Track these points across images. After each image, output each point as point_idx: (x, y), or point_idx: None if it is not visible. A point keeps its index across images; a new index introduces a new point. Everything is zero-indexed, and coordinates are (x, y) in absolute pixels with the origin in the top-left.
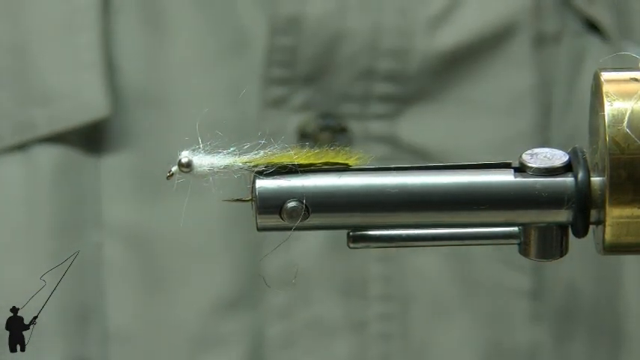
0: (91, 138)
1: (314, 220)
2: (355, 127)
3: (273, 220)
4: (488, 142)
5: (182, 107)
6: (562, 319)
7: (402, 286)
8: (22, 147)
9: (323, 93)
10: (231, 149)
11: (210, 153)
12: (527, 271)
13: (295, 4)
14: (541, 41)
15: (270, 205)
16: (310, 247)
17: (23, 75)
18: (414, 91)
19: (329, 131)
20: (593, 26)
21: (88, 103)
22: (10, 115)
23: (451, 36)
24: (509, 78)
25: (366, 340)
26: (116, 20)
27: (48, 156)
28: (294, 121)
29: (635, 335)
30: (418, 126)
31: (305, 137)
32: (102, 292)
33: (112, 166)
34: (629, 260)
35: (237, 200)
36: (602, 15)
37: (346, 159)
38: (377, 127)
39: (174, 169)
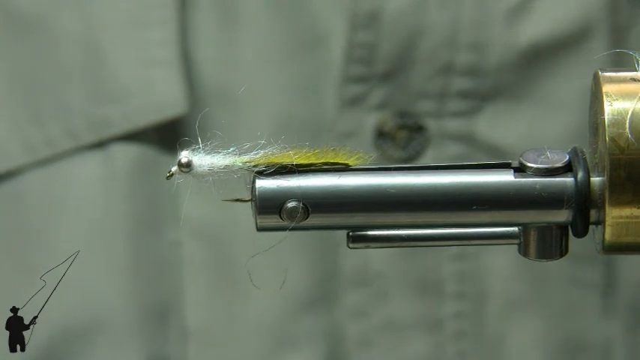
0: (169, 136)
1: (313, 220)
2: (432, 125)
3: (273, 220)
4: (566, 138)
5: (257, 104)
6: (634, 312)
7: (475, 283)
8: (99, 145)
9: (400, 91)
10: (231, 149)
11: (210, 153)
12: (599, 265)
13: (375, 0)
14: (615, 34)
15: (270, 205)
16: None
17: (97, 72)
18: (493, 86)
19: (406, 130)
20: None
21: (165, 100)
22: (85, 113)
23: (530, 30)
24: (586, 72)
25: (441, 338)
26: (192, 16)
27: (126, 154)
28: (371, 120)
29: None
30: (495, 123)
31: (382, 136)
32: (180, 291)
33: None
34: None
35: (237, 200)
36: None
37: (346, 159)
38: (454, 125)
39: (174, 169)
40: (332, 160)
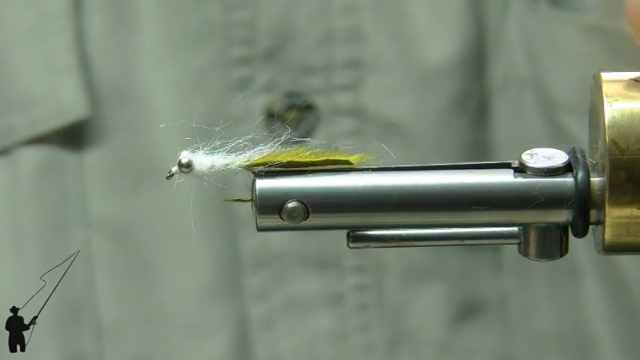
0: (72, 137)
1: (314, 220)
2: (321, 102)
3: (273, 221)
4: (446, 98)
5: (155, 99)
6: (523, 266)
7: (373, 256)
8: (3, 152)
9: (286, 69)
10: (230, 147)
11: (209, 152)
12: None
13: None
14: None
15: (270, 205)
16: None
17: (0, 83)
18: (375, 54)
19: (295, 109)
20: None
21: (67, 105)
22: None
23: None
24: (450, 35)
25: (344, 312)
26: (87, 20)
27: (30, 158)
28: (259, 102)
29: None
30: (383, 94)
31: (272, 117)
32: (92, 288)
33: (94, 162)
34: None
35: (238, 200)
36: None
37: (347, 156)
38: (342, 99)
39: (174, 169)
40: (333, 158)
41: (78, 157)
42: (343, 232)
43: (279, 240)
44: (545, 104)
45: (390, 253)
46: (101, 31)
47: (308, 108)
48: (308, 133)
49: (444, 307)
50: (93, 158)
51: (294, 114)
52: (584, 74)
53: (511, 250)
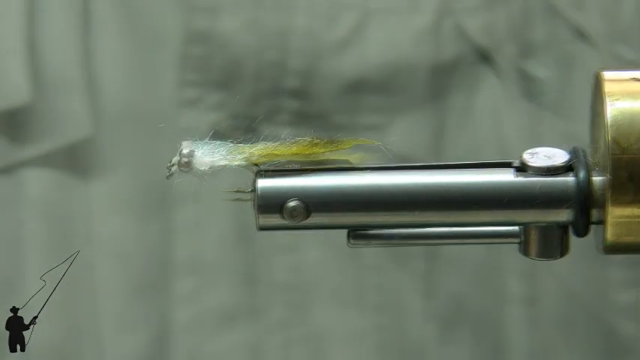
0: (16, 121)
1: (315, 219)
2: (265, 129)
3: (274, 220)
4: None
5: (102, 95)
6: (449, 318)
7: (302, 275)
8: None
9: (234, 98)
10: (230, 144)
11: (210, 149)
12: (420, 273)
13: (207, 19)
14: (439, 70)
15: (271, 204)
16: (219, 235)
17: None
18: (320, 110)
19: (240, 131)
20: (486, 56)
21: (11, 88)
22: None
23: (355, 63)
24: (407, 106)
25: (266, 327)
26: (42, 7)
27: None
28: (207, 119)
29: (515, 341)
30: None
31: (216, 136)
32: (22, 270)
33: (36, 148)
34: (511, 270)
35: (237, 199)
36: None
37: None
38: (285, 132)
39: (175, 159)
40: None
41: (21, 142)
42: (276, 248)
43: (213, 249)
44: None
45: (319, 274)
46: (57, 21)
47: (252, 131)
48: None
49: (365, 337)
50: (36, 145)
51: (239, 135)
52: None
53: (442, 301)
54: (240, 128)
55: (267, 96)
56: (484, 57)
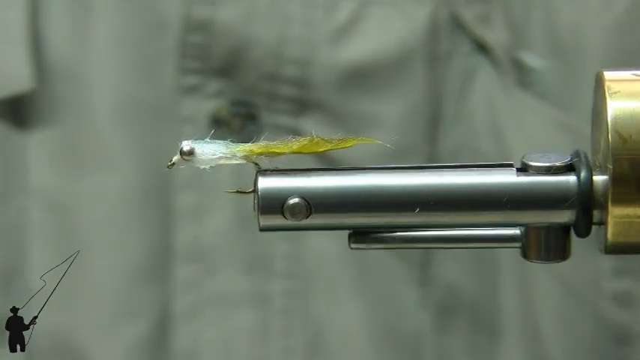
0: (18, 110)
1: (316, 219)
2: (265, 116)
3: (275, 218)
4: (382, 154)
5: (102, 84)
6: (442, 309)
7: (303, 264)
8: None
9: (234, 84)
10: (229, 140)
11: (210, 142)
12: (416, 264)
13: (207, 9)
14: (435, 60)
15: (273, 202)
16: (220, 223)
17: None
18: (316, 98)
19: (240, 118)
20: (483, 46)
21: (13, 76)
22: None
23: (352, 52)
24: (404, 95)
25: (268, 314)
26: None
27: None
28: (207, 106)
29: (510, 330)
30: (319, 128)
31: (218, 122)
32: (25, 255)
33: (38, 137)
34: (506, 260)
35: (238, 192)
36: (491, 37)
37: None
38: (284, 120)
39: (176, 158)
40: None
41: (23, 130)
42: (277, 237)
43: (214, 236)
44: None
45: (319, 264)
46: (58, 10)
47: (252, 118)
48: (249, 141)
49: (364, 327)
50: (37, 132)
51: (238, 122)
52: None
53: (435, 292)
54: (239, 116)
55: (265, 84)
56: (480, 47)
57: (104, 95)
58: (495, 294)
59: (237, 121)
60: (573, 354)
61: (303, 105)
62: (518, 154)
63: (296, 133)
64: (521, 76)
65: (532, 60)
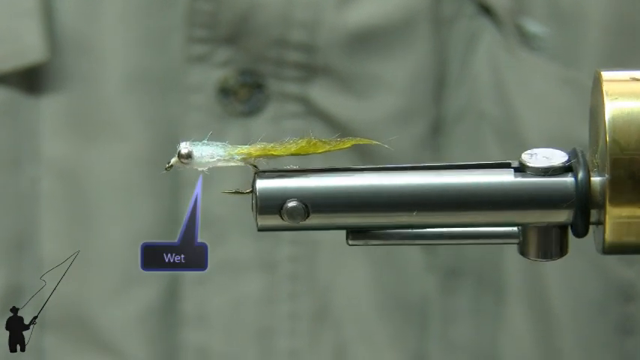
0: (30, 80)
1: (314, 219)
2: (272, 85)
3: (274, 220)
4: (389, 114)
5: (112, 55)
6: (450, 273)
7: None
8: None
9: (242, 53)
10: (227, 142)
11: (208, 145)
12: None
13: None
14: (439, 23)
15: (271, 204)
16: (228, 189)
17: None
18: (323, 62)
19: (247, 87)
20: (486, 9)
21: (27, 47)
22: None
23: (358, 14)
24: (410, 57)
25: (275, 279)
26: None
27: None
28: (214, 76)
29: (515, 290)
30: (327, 94)
31: (225, 91)
32: (37, 224)
33: (50, 106)
34: None
35: (236, 192)
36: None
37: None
38: (291, 87)
39: (174, 160)
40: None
41: (35, 99)
42: None
43: (221, 204)
44: (506, 141)
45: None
46: None
47: (259, 87)
48: (258, 110)
49: (370, 292)
50: (49, 102)
51: (246, 91)
52: (558, 124)
53: (442, 256)
54: (246, 85)
55: (273, 50)
56: (484, 9)
57: (114, 65)
58: (500, 255)
59: (245, 91)
60: (579, 313)
61: (310, 70)
62: (527, 120)
63: (303, 101)
64: (524, 42)
65: (534, 26)
